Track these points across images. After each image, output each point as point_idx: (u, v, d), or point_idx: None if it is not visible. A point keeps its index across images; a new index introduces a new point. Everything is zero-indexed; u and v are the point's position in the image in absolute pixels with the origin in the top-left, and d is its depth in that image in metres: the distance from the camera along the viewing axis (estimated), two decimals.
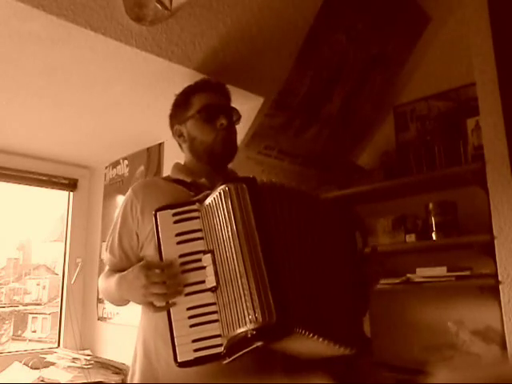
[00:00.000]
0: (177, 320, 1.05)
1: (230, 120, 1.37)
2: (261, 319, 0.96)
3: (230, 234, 1.03)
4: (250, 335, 0.96)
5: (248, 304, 0.98)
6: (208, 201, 1.10)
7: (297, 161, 2.19)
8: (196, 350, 1.02)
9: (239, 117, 1.42)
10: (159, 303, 1.09)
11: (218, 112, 1.35)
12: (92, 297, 3.04)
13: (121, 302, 1.34)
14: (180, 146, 1.45)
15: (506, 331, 1.57)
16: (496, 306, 1.66)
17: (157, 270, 1.09)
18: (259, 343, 0.98)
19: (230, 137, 1.37)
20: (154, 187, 1.35)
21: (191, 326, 1.04)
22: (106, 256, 1.36)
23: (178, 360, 1.03)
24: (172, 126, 1.45)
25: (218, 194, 1.07)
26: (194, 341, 1.03)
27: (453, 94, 2.05)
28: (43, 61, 1.76)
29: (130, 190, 1.35)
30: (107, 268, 1.36)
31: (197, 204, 1.11)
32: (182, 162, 1.44)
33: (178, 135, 1.42)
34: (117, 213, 1.37)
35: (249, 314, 0.97)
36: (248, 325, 0.97)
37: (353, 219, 1.24)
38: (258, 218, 1.03)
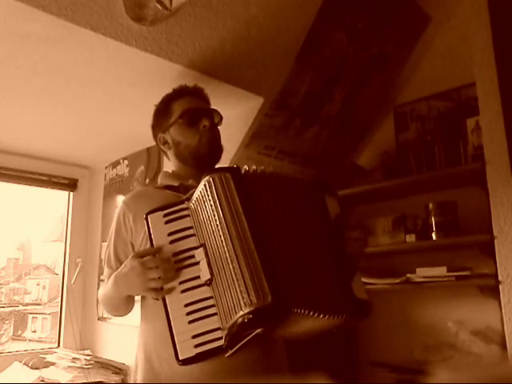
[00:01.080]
0: (175, 318, 1.05)
1: (212, 121, 1.39)
2: (256, 301, 0.95)
3: (218, 222, 1.04)
4: (246, 320, 0.95)
5: (242, 288, 0.97)
6: (195, 195, 1.11)
7: (297, 161, 2.19)
8: (197, 346, 1.02)
9: (221, 118, 1.43)
10: (158, 288, 1.09)
11: (200, 115, 1.37)
12: (92, 297, 3.04)
13: (120, 307, 1.34)
14: (165, 154, 1.46)
15: (506, 331, 1.57)
16: (496, 305, 1.66)
17: (149, 256, 1.11)
18: (258, 329, 0.98)
19: (214, 137, 1.39)
20: (144, 196, 1.36)
21: (190, 322, 1.04)
22: (104, 271, 1.37)
23: (180, 358, 1.02)
24: (155, 135, 1.46)
25: (203, 185, 1.08)
26: (194, 336, 1.03)
27: (453, 94, 2.05)
28: (43, 61, 1.76)
29: (121, 203, 1.36)
30: (105, 281, 1.36)
31: (185, 202, 1.13)
32: (170, 171, 1.45)
33: (163, 143, 1.43)
34: (111, 227, 1.37)
35: (243, 298, 0.96)
36: (243, 308, 0.96)
37: (322, 188, 1.22)
38: (244, 203, 1.04)
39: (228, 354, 1.01)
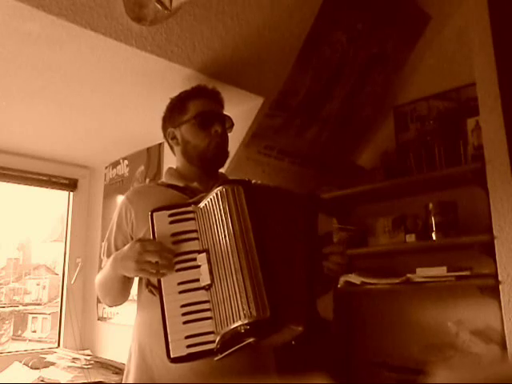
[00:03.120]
0: (170, 317, 1.08)
1: (224, 127, 1.42)
2: (255, 314, 0.99)
3: (226, 233, 1.06)
4: (243, 330, 0.99)
5: (243, 300, 1.00)
6: (204, 202, 1.13)
7: (297, 161, 2.19)
8: (189, 346, 1.05)
9: (232, 124, 1.46)
10: (152, 272, 1.11)
11: (213, 119, 1.40)
12: (92, 297, 3.04)
13: (113, 289, 1.32)
14: (172, 148, 1.48)
15: (506, 331, 1.57)
16: (496, 305, 1.66)
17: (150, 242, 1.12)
18: (251, 339, 1.00)
19: (223, 144, 1.41)
20: (148, 193, 1.38)
21: (184, 322, 1.07)
22: (103, 262, 1.38)
23: (171, 356, 1.05)
24: (165, 128, 1.47)
25: (214, 194, 1.10)
26: (187, 337, 1.05)
27: (453, 94, 2.05)
28: (43, 61, 1.76)
29: (124, 197, 1.37)
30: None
31: (192, 206, 1.15)
32: (174, 167, 1.46)
33: (171, 138, 1.45)
34: (112, 220, 1.39)
35: (243, 309, 1.00)
36: (242, 319, 0.99)
37: (317, 204, 1.22)
38: (252, 218, 1.07)
39: (217, 358, 1.04)
